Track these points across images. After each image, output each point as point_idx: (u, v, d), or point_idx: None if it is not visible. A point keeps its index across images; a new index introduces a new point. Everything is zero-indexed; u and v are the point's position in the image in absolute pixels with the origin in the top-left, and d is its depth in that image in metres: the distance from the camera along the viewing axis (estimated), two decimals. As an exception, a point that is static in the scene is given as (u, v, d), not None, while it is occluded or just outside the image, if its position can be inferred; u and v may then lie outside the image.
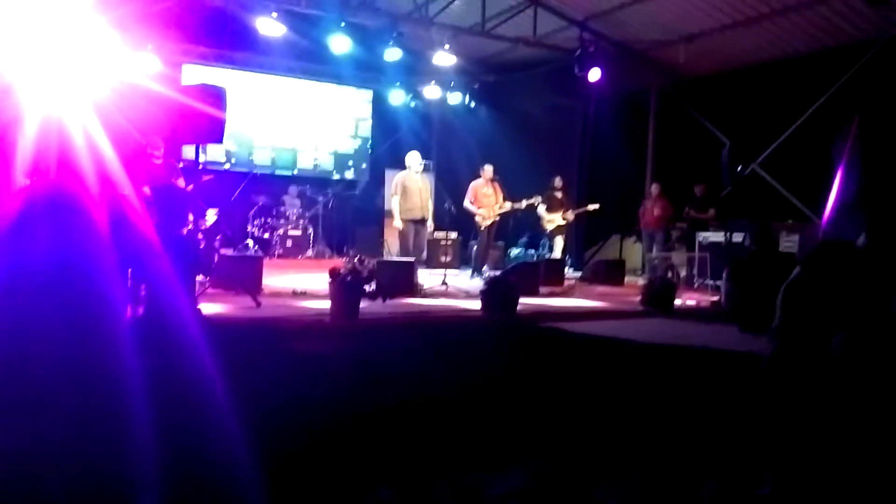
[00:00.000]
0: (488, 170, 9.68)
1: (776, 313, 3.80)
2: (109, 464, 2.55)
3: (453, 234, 11.72)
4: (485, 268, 9.76)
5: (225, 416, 3.04)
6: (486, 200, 9.63)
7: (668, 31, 10.31)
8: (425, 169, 11.83)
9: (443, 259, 10.13)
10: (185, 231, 4.66)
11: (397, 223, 8.70)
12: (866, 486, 2.57)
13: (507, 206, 9.64)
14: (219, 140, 7.14)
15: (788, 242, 8.39)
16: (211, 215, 10.55)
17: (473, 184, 9.79)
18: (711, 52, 10.53)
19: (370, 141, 13.62)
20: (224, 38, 11.52)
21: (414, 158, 8.94)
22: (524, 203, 9.68)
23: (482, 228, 9.72)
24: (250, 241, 10.49)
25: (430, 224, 9.03)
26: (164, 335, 4.13)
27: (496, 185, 9.66)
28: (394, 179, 9.03)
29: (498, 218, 9.74)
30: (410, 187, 8.69)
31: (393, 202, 8.77)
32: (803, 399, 3.44)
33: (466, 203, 9.76)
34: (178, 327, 4.14)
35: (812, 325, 3.70)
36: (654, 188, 10.82)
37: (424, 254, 9.15)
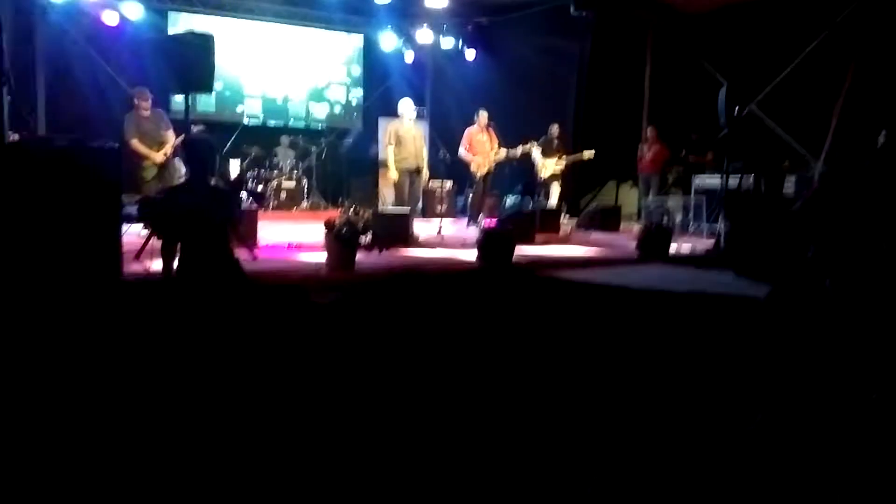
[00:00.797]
0: (483, 116, 9.52)
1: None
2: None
3: (448, 183, 11.62)
4: (480, 216, 9.73)
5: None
6: (481, 148, 9.51)
7: (666, -33, 10.03)
8: (419, 116, 11.70)
9: (438, 208, 10.09)
10: (213, 181, 4.58)
11: (392, 174, 8.60)
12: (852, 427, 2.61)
13: (503, 153, 9.51)
14: (208, 89, 6.99)
15: (786, 184, 8.35)
16: (235, 166, 10.60)
17: (468, 130, 9.65)
18: (710, -11, 10.27)
19: (362, 88, 13.39)
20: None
21: (407, 106, 8.78)
22: (520, 150, 9.57)
23: (477, 177, 9.63)
24: (244, 193, 10.42)
25: (425, 173, 8.95)
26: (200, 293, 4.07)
27: (491, 131, 9.52)
28: (387, 128, 8.89)
29: (493, 166, 9.64)
30: (404, 136, 8.56)
31: (388, 152, 8.64)
32: (799, 336, 3.48)
33: (461, 151, 9.62)
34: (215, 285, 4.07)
35: (812, 260, 3.72)
36: (650, 131, 10.70)
37: (420, 204, 9.07)
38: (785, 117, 9.75)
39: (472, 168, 9.61)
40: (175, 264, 4.44)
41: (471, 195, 10.21)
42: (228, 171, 10.60)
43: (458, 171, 10.82)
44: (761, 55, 9.77)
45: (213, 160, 4.55)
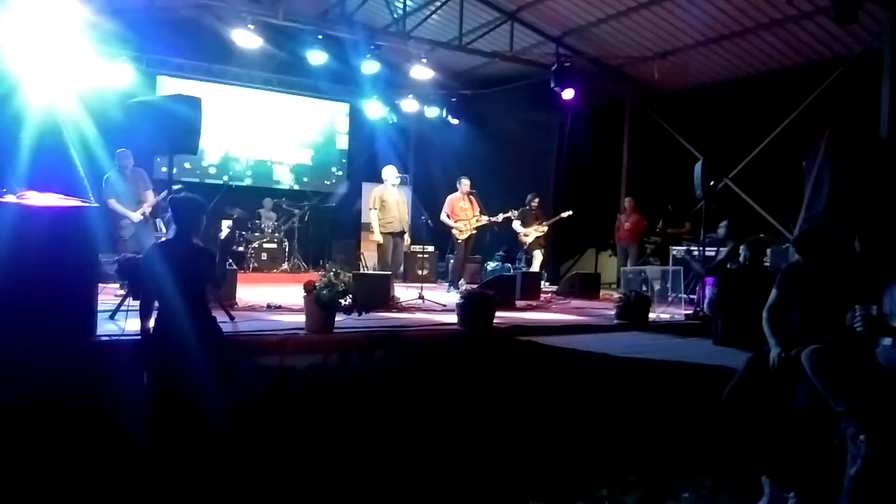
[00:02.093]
0: (465, 183, 9.71)
1: (766, 333, 3.84)
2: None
3: (430, 248, 11.70)
4: (461, 281, 9.75)
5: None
6: (462, 214, 9.67)
7: (643, 47, 10.45)
8: (402, 182, 11.84)
9: (419, 273, 10.12)
10: (198, 241, 4.54)
11: (377, 237, 8.67)
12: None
13: (484, 219, 9.68)
14: (193, 151, 7.05)
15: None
16: (224, 227, 10.62)
17: (450, 197, 9.81)
18: (685, 69, 10.70)
19: (347, 154, 13.58)
20: (200, 49, 11.45)
21: (390, 172, 8.96)
22: (500, 217, 9.72)
23: (459, 241, 9.73)
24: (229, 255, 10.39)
25: (406, 237, 9.01)
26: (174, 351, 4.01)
27: (472, 198, 9.71)
28: (371, 193, 9.02)
29: (475, 231, 9.77)
30: (388, 200, 8.71)
31: (371, 215, 8.75)
32: (776, 408, 3.47)
33: (443, 216, 9.77)
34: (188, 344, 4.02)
35: (787, 341, 3.75)
36: (628, 202, 10.92)
37: (402, 267, 9.09)
38: (759, 191, 10.02)
39: (454, 233, 9.72)
40: (152, 323, 4.38)
41: (452, 260, 10.25)
42: (218, 232, 10.62)
43: (439, 236, 10.92)
44: (736, 131, 10.12)
45: (198, 220, 4.58)
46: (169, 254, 4.32)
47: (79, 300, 4.74)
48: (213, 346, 4.21)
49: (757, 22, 9.06)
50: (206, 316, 4.36)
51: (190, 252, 4.37)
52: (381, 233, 8.61)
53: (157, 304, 4.31)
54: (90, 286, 4.91)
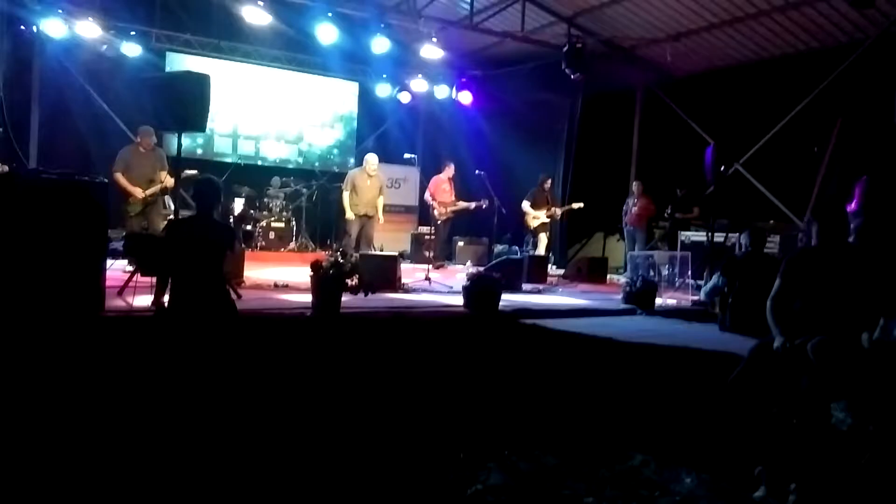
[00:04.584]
0: (450, 168, 10.59)
1: (770, 322, 3.83)
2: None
3: (447, 229, 11.69)
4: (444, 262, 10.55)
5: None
6: (443, 196, 10.45)
7: (656, 29, 10.32)
8: (410, 163, 11.86)
9: (427, 254, 10.13)
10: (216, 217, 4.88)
11: (349, 215, 9.42)
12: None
13: (461, 204, 10.50)
14: (202, 129, 7.05)
15: (770, 243, 8.44)
16: (238, 204, 10.72)
17: (436, 178, 10.60)
18: (698, 52, 10.57)
19: (356, 134, 13.54)
20: (209, 25, 11.39)
21: (370, 160, 9.66)
22: (473, 205, 10.47)
23: (438, 222, 10.51)
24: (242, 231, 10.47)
25: (380, 218, 9.73)
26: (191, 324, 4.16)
27: (452, 183, 10.58)
28: (347, 176, 9.79)
29: (452, 215, 10.59)
30: (359, 185, 9.44)
31: (343, 196, 9.50)
32: (779, 398, 3.47)
33: (427, 195, 10.64)
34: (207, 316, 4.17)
35: (790, 331, 3.74)
36: (636, 186, 10.85)
37: (374, 244, 9.74)
38: (770, 177, 9.94)
39: (435, 213, 10.41)
40: (167, 298, 4.49)
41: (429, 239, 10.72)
42: (232, 209, 10.71)
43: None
44: (748, 116, 10.02)
45: (217, 200, 4.88)
46: (189, 228, 4.56)
47: (87, 275, 4.78)
48: (227, 320, 4.37)
49: (772, 4, 8.92)
50: (223, 289, 4.54)
51: (211, 227, 4.62)
52: (352, 212, 9.39)
53: (171, 279, 4.45)
54: (99, 261, 4.95)
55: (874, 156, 7.67)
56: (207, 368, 3.78)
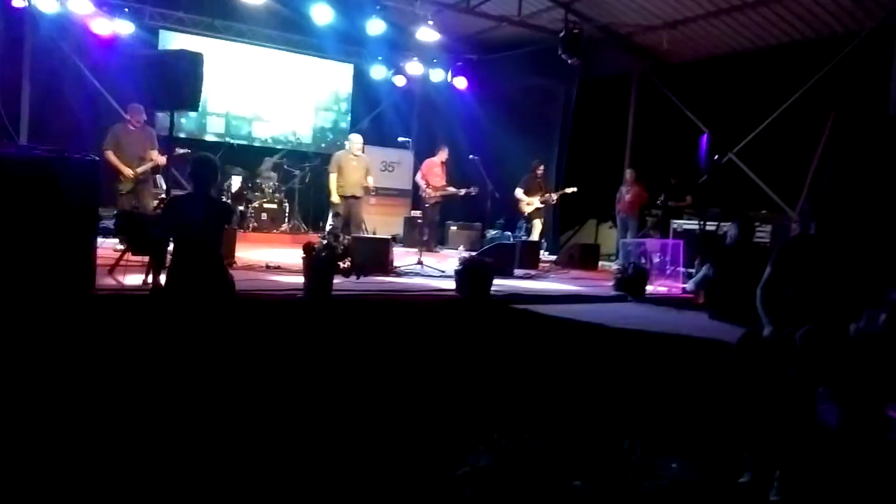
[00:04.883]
0: (444, 152, 10.55)
1: (759, 311, 3.85)
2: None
3: (437, 213, 11.68)
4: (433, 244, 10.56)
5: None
6: (434, 180, 10.45)
7: (652, 15, 10.28)
8: (404, 146, 11.83)
9: (420, 237, 10.12)
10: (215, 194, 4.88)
11: (334, 198, 9.21)
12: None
13: (451, 189, 10.47)
14: (194, 108, 7.00)
15: (762, 232, 8.47)
16: (236, 182, 10.68)
17: (429, 161, 10.60)
18: (694, 40, 10.54)
19: (350, 116, 13.46)
20: (203, 3, 11.27)
21: (354, 139, 9.54)
22: (463, 191, 10.46)
23: (427, 206, 10.55)
24: (240, 209, 10.44)
25: (372, 188, 9.63)
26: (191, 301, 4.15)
27: (445, 167, 10.53)
28: (332, 157, 9.58)
29: (441, 199, 10.57)
30: (345, 166, 9.23)
31: (329, 179, 9.29)
32: (767, 386, 3.50)
33: (418, 177, 10.67)
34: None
35: (780, 320, 3.76)
36: (629, 174, 10.85)
37: (366, 227, 9.67)
38: (763, 166, 9.96)
39: (424, 196, 10.48)
40: (163, 277, 4.50)
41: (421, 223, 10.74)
42: (229, 186, 10.67)
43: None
44: (742, 105, 10.02)
45: (214, 178, 4.87)
46: (187, 205, 4.55)
47: (78, 253, 4.75)
48: (226, 297, 4.38)
49: (769, -7, 8.91)
50: (222, 268, 4.54)
51: (209, 205, 4.61)
52: (338, 194, 9.18)
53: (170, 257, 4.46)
54: (89, 239, 4.92)
55: (868, 147, 7.70)
56: (202, 349, 3.78)
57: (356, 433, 2.89)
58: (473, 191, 10.34)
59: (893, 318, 3.25)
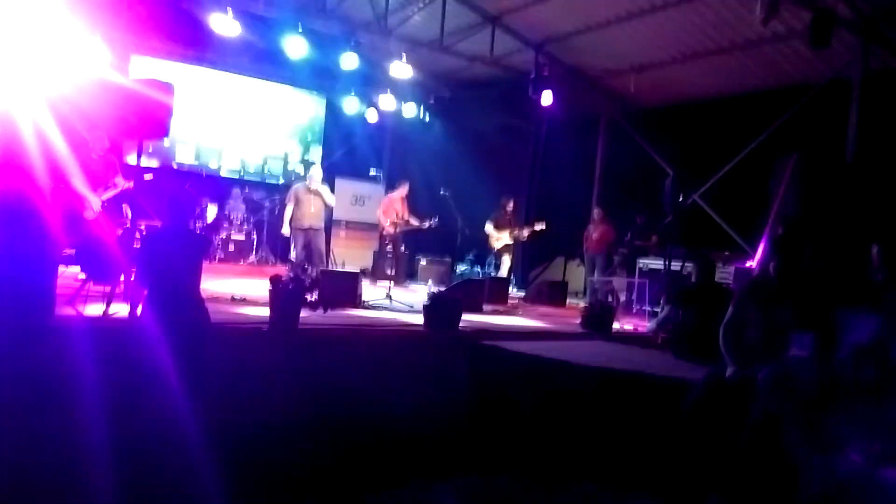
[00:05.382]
0: (405, 187, 10.75)
1: (722, 351, 3.91)
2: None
3: (401, 247, 11.68)
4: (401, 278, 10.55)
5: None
6: (394, 215, 10.62)
7: (621, 59, 10.56)
8: (375, 180, 11.91)
9: (388, 272, 10.11)
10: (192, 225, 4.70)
11: (284, 229, 9.22)
12: None
13: (413, 222, 10.62)
14: (163, 136, 6.94)
15: (724, 273, 8.63)
16: (212, 212, 10.53)
17: (390, 196, 10.82)
18: (660, 84, 10.84)
19: (322, 148, 13.47)
20: (176, 31, 11.25)
21: (314, 172, 9.58)
22: (426, 224, 10.57)
23: (386, 240, 10.76)
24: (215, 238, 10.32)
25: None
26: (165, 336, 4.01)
27: (405, 201, 10.72)
28: (290, 189, 9.60)
29: (400, 233, 10.72)
30: (302, 199, 9.23)
31: (286, 210, 9.30)
32: (731, 425, 3.53)
33: (378, 213, 10.83)
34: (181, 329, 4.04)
35: (742, 360, 3.82)
36: (597, 213, 11.02)
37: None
38: (727, 208, 10.20)
39: (385, 232, 10.62)
40: (139, 307, 4.38)
41: (380, 258, 10.91)
42: (206, 216, 10.53)
43: (407, 235, 11.06)
44: (707, 149, 10.29)
45: (192, 210, 4.72)
46: (165, 239, 4.42)
47: (38, 283, 4.64)
48: (201, 333, 4.26)
49: (733, 42, 9.22)
50: (200, 301, 4.42)
51: (187, 238, 4.52)
52: (290, 225, 9.16)
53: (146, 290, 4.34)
54: (49, 270, 4.82)
55: (827, 193, 7.94)
56: (171, 379, 3.69)
57: (314, 465, 2.84)
58: (434, 222, 10.44)
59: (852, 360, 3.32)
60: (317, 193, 9.32)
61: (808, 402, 3.40)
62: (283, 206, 11.91)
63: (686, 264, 8.25)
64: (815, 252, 5.80)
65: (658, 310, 8.09)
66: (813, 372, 3.61)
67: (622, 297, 9.79)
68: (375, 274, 10.81)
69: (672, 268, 8.40)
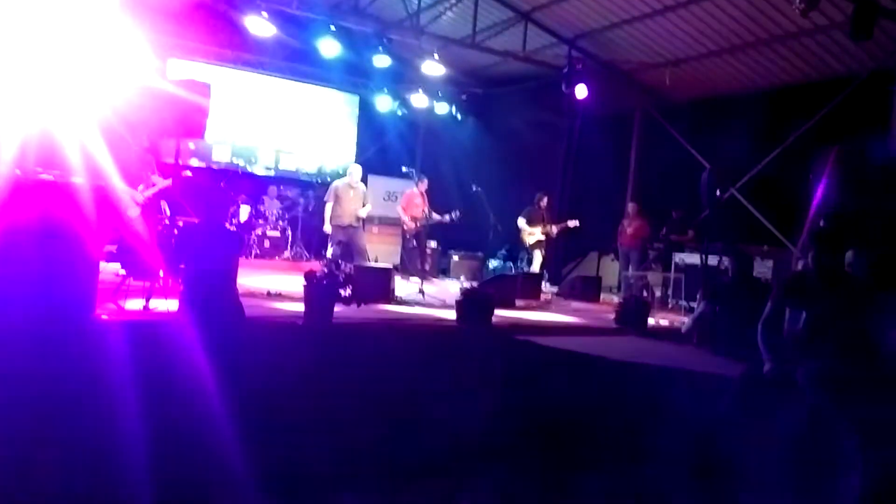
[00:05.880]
0: (424, 182, 10.70)
1: (760, 347, 3.84)
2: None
3: (433, 243, 11.71)
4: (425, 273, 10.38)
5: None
6: (415, 210, 10.58)
7: (656, 54, 10.43)
8: (409, 177, 11.93)
9: (418, 266, 10.16)
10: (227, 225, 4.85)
11: (326, 227, 9.34)
12: None
13: (435, 217, 10.55)
14: (200, 135, 7.06)
15: (763, 268, 8.48)
16: (245, 211, 10.76)
17: (409, 192, 10.75)
18: (696, 78, 10.67)
19: (355, 146, 13.58)
20: (212, 33, 11.43)
21: (353, 171, 9.66)
22: (447, 217, 10.49)
23: (407, 235, 10.74)
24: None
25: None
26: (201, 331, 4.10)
27: (426, 196, 10.64)
28: (330, 187, 9.68)
29: (421, 228, 10.65)
30: (342, 196, 9.35)
31: (326, 208, 9.40)
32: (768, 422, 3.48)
33: (399, 209, 10.80)
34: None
35: (781, 356, 3.75)
36: (632, 207, 10.90)
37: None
38: (765, 202, 10.00)
39: (406, 227, 10.60)
40: (178, 302, 4.48)
41: (404, 253, 10.92)
42: (239, 215, 10.74)
43: (438, 232, 11.09)
44: (745, 141, 10.09)
45: (227, 207, 4.85)
46: (201, 235, 4.54)
47: (79, 278, 4.76)
48: (235, 326, 4.35)
49: (770, 34, 9.03)
50: (235, 295, 4.50)
51: (222, 234, 4.67)
52: (331, 224, 9.28)
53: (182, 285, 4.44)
54: (91, 265, 4.93)
55: (869, 186, 7.73)
56: (208, 374, 3.76)
57: (347, 460, 2.87)
58: (456, 215, 10.43)
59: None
60: (356, 191, 9.44)
61: (859, 397, 3.33)
62: (318, 204, 12.14)
63: (723, 259, 8.12)
64: (856, 245, 5.67)
65: (695, 304, 7.98)
66: (861, 367, 3.53)
67: (657, 293, 9.68)
68: (403, 269, 10.88)
69: (709, 263, 8.27)
